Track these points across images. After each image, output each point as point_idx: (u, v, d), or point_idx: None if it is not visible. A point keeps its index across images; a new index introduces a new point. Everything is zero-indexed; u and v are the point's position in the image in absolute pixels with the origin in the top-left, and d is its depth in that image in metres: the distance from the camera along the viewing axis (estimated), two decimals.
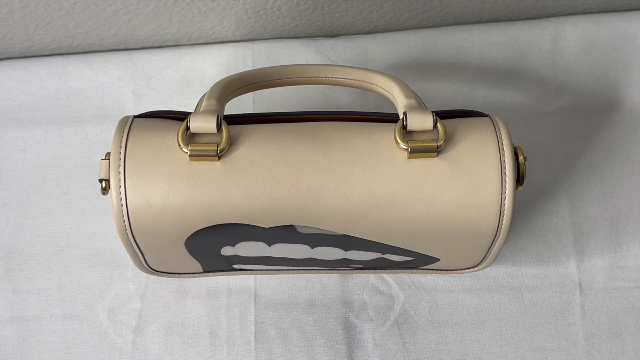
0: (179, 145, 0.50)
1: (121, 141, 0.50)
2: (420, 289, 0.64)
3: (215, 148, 0.50)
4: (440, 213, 0.50)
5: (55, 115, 0.70)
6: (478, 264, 0.59)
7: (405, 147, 0.50)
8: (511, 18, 0.72)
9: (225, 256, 0.57)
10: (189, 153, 0.50)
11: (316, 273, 0.64)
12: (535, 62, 0.71)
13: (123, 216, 0.50)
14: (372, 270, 0.62)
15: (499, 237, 0.52)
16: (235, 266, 0.59)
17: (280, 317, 0.63)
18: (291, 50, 0.71)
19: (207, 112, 0.51)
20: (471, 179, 0.50)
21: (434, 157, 0.50)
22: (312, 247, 0.55)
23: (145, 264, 0.57)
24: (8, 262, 0.65)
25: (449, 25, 0.72)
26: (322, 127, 0.52)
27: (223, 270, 0.60)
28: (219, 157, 0.50)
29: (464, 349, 0.62)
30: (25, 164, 0.68)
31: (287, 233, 0.53)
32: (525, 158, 0.52)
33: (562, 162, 0.68)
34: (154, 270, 0.59)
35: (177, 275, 0.61)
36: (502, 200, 0.50)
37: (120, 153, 0.50)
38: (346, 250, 0.55)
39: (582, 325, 0.63)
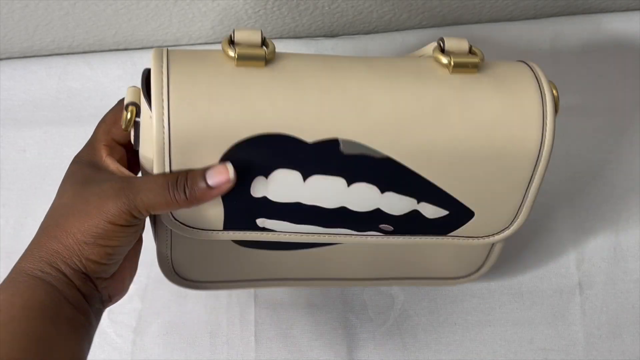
0: (224, 51, 0.49)
1: (162, 54, 0.49)
2: (420, 289, 0.64)
3: (263, 52, 0.49)
4: (485, 124, 0.50)
5: (55, 115, 0.70)
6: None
7: (448, 61, 0.51)
8: (511, 18, 0.72)
9: (255, 198, 0.52)
10: (236, 56, 0.49)
11: (322, 282, 0.62)
12: (535, 62, 0.71)
13: (164, 124, 0.48)
14: (378, 281, 0.62)
15: (539, 166, 0.51)
16: (259, 221, 0.54)
17: (280, 317, 0.63)
18: (291, 50, 0.71)
19: (250, 28, 0.51)
20: (514, 94, 0.50)
21: (475, 72, 0.51)
22: (349, 184, 0.52)
23: None
24: (8, 262, 0.65)
25: (448, 25, 0.72)
26: (360, 58, 0.53)
27: (244, 229, 0.54)
28: (266, 63, 0.49)
29: (463, 349, 0.62)
30: (25, 164, 0.68)
31: (328, 154, 0.50)
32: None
33: (562, 162, 0.68)
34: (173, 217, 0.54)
35: (194, 230, 0.54)
36: (543, 119, 0.51)
37: (162, 61, 0.49)
38: (382, 191, 0.52)
39: (582, 325, 0.63)
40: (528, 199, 0.53)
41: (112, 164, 0.51)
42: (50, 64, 0.71)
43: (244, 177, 0.51)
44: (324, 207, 0.52)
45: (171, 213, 0.52)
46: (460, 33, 0.71)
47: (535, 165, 0.51)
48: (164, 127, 0.47)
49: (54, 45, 0.71)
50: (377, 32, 0.73)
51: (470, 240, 0.57)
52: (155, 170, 0.49)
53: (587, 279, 0.64)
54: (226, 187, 0.49)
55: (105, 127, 0.52)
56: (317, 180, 0.51)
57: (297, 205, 0.52)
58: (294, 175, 0.51)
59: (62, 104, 0.70)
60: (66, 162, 0.60)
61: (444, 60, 0.51)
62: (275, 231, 0.54)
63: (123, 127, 0.50)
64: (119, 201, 0.47)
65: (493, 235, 0.56)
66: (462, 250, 0.60)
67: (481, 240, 0.57)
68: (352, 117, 0.49)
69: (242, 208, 0.52)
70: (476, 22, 0.72)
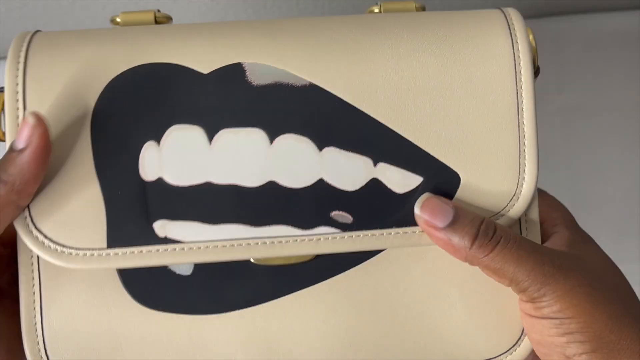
0: (111, 22, 0.42)
1: (24, 36, 0.40)
2: None
3: (152, 14, 0.42)
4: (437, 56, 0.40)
5: None
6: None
7: (378, 9, 0.43)
8: None
9: (146, 183, 0.39)
10: (119, 19, 0.42)
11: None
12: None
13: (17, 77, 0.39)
14: None
15: (521, 106, 0.40)
16: (157, 226, 0.39)
17: None
18: None
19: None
20: (469, 28, 0.41)
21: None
22: (271, 138, 0.39)
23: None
24: None
25: None
26: None
27: (138, 243, 0.39)
28: (157, 23, 0.42)
29: None
30: None
31: (233, 88, 0.39)
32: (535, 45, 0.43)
33: (562, 162, 0.68)
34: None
35: (64, 251, 0.38)
36: (515, 63, 0.40)
37: (23, 41, 0.40)
38: (320, 146, 0.39)
39: None
40: (527, 149, 0.40)
41: None
42: None
43: (129, 145, 0.39)
44: (245, 186, 0.39)
45: (29, 216, 0.38)
46: None
47: (518, 106, 0.40)
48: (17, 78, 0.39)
49: None
50: None
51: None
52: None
53: None
54: (39, 136, 0.37)
55: None
56: (226, 137, 0.39)
57: (208, 188, 0.39)
58: (196, 134, 0.39)
59: None
60: None
61: (375, 9, 0.43)
62: (183, 242, 0.39)
63: None
64: None
65: (501, 212, 0.40)
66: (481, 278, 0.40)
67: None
68: (260, 41, 0.39)
69: (131, 202, 0.39)
70: None
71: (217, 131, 0.39)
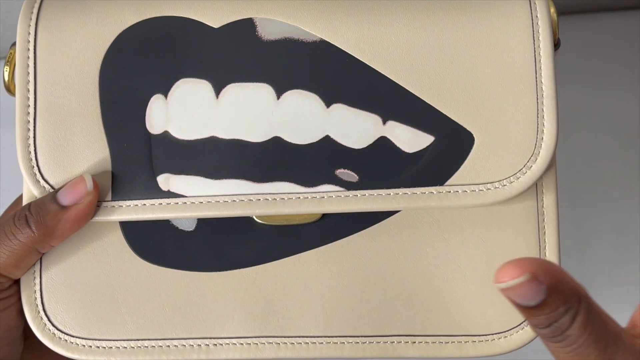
0: None
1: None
2: None
3: None
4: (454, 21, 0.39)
5: None
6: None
7: None
8: None
9: (153, 136, 0.39)
10: None
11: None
12: None
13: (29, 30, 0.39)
14: (373, 345, 0.39)
15: (539, 66, 0.40)
16: (161, 180, 0.39)
17: None
18: None
19: None
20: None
21: None
22: (279, 94, 0.38)
23: (32, 142, 0.41)
24: None
25: None
26: None
27: (142, 197, 0.39)
28: None
29: None
30: None
31: (243, 43, 0.38)
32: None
33: (562, 162, 0.68)
34: (36, 163, 0.40)
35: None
36: (534, 32, 0.40)
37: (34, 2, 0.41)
38: (328, 103, 0.38)
39: None
40: (546, 102, 0.39)
41: None
42: None
43: (136, 97, 0.39)
44: (250, 142, 0.38)
45: (37, 166, 0.40)
46: None
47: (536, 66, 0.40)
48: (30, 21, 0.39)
49: None
50: None
51: (484, 192, 0.37)
52: (18, 111, 0.40)
53: (588, 280, 0.64)
54: (87, 203, 0.37)
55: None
56: (234, 92, 0.39)
57: (212, 143, 0.39)
58: (203, 88, 0.39)
59: None
60: None
61: None
62: (186, 197, 0.39)
63: (7, 78, 0.41)
64: None
65: (517, 174, 0.38)
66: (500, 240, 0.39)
67: (501, 190, 0.37)
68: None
69: (137, 155, 0.39)
70: None
71: (224, 85, 0.39)
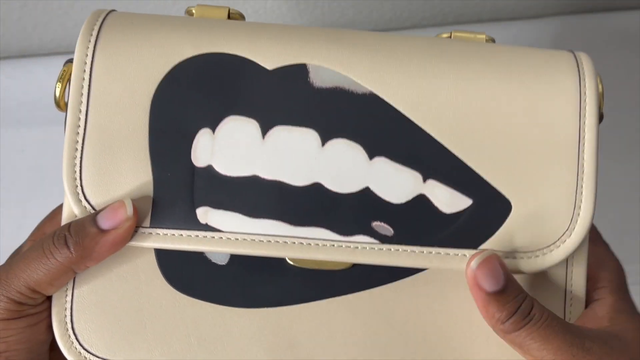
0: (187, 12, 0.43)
1: (99, 14, 0.42)
2: None
3: (226, 9, 0.43)
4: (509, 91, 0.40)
5: (55, 115, 0.69)
6: (567, 230, 0.39)
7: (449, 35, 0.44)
8: (512, 17, 0.72)
9: (197, 168, 0.39)
10: (194, 10, 0.43)
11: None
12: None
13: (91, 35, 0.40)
14: None
15: (583, 141, 0.39)
16: (200, 213, 0.39)
17: None
18: None
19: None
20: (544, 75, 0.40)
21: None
22: (324, 140, 0.39)
23: (79, 157, 0.40)
24: None
25: (449, 24, 0.72)
26: None
27: (180, 227, 0.39)
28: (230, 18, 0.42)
29: None
30: (25, 164, 0.68)
31: (294, 87, 0.39)
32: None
33: None
34: (81, 183, 0.40)
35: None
36: (580, 109, 0.40)
37: (98, 16, 0.42)
38: (372, 155, 0.39)
39: None
40: (585, 178, 0.39)
41: None
42: (50, 64, 0.71)
43: (185, 129, 0.39)
44: (291, 184, 0.39)
45: (82, 191, 0.39)
46: None
47: (579, 140, 0.40)
48: (86, 58, 0.40)
49: (53, 44, 0.71)
50: (377, 31, 0.73)
51: (516, 260, 0.38)
52: (68, 129, 0.39)
53: None
54: (126, 228, 0.38)
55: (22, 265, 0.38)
56: (280, 134, 0.39)
57: (254, 182, 0.39)
58: (250, 127, 0.39)
59: None
60: None
61: (445, 35, 0.43)
62: (222, 231, 0.39)
63: (59, 94, 0.41)
64: None
65: (550, 247, 0.38)
66: None
67: (534, 261, 0.38)
68: (328, 46, 0.40)
69: (179, 185, 0.39)
70: (477, 22, 0.72)
71: (272, 127, 0.39)
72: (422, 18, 0.71)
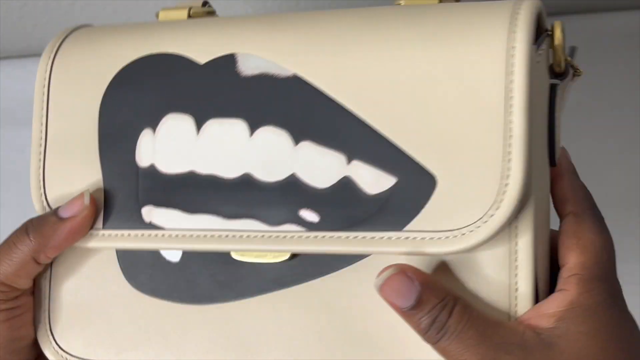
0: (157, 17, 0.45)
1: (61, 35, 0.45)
2: None
3: (187, 8, 0.43)
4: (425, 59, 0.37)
5: None
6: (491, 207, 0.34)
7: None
8: None
9: (141, 169, 0.40)
10: (157, 15, 0.44)
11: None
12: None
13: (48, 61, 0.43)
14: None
15: (510, 102, 0.35)
16: (145, 212, 0.40)
17: None
18: None
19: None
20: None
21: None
22: (252, 130, 0.38)
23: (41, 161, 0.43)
24: None
25: None
26: None
27: (128, 227, 0.40)
28: (190, 17, 0.43)
29: None
30: (25, 164, 0.68)
31: (224, 79, 0.39)
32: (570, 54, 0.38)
33: None
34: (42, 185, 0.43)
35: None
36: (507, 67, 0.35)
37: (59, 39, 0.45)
38: (297, 140, 0.37)
39: None
40: (514, 144, 0.34)
41: None
42: None
43: (129, 131, 0.41)
44: (224, 177, 0.39)
45: (45, 195, 0.42)
46: None
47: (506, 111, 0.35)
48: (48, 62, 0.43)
49: None
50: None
51: (442, 240, 0.35)
52: (33, 142, 0.43)
53: None
54: (83, 216, 0.39)
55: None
56: (212, 128, 0.39)
57: (191, 178, 0.39)
58: (186, 123, 0.39)
59: None
60: None
61: (401, 1, 0.40)
62: (164, 229, 0.39)
63: None
64: None
65: (476, 222, 0.34)
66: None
67: (459, 239, 0.34)
68: (255, 32, 0.39)
69: (126, 187, 0.40)
70: None
71: (205, 121, 0.39)
72: None
